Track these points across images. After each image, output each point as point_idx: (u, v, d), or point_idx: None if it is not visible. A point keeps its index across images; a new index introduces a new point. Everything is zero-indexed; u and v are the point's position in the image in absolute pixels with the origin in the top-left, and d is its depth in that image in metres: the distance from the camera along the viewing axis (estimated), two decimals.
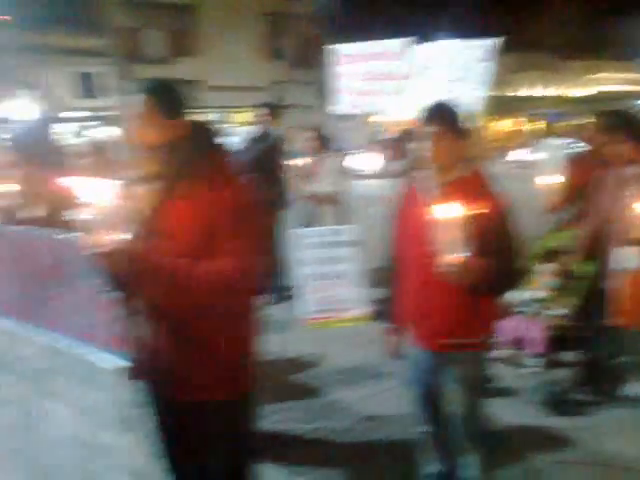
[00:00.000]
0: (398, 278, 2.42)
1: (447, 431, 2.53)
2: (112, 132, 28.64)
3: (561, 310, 3.58)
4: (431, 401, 2.46)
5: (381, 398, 3.77)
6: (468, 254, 1.91)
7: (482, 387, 2.35)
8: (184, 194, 1.72)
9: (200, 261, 1.65)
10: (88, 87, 29.12)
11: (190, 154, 1.76)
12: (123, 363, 1.63)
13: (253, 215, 1.77)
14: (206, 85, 29.66)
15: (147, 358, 1.76)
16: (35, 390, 2.04)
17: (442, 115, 2.19)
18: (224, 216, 1.68)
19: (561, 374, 3.60)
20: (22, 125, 2.05)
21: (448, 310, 2.18)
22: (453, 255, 1.90)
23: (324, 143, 5.04)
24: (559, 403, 3.46)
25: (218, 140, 1.89)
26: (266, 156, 5.14)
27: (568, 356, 3.65)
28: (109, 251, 1.52)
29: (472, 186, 2.12)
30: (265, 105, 5.65)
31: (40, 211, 2.24)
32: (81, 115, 26.70)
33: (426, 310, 2.23)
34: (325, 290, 4.99)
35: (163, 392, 1.74)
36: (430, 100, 3.76)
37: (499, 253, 2.03)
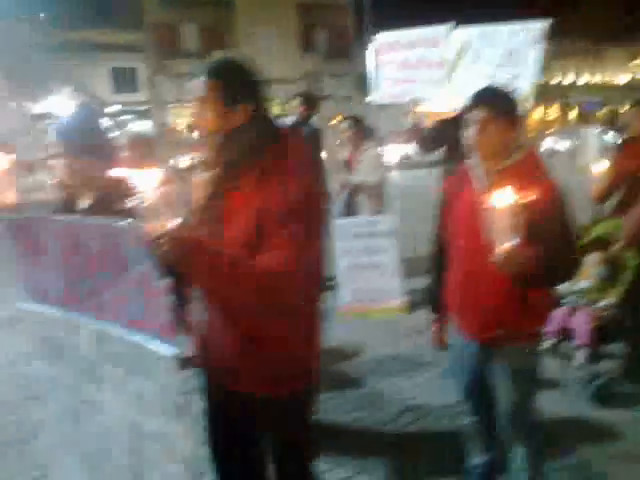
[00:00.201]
0: (445, 267, 2.38)
1: (493, 422, 2.50)
2: (147, 126, 29.21)
3: (607, 301, 3.50)
4: (477, 392, 2.41)
5: (422, 389, 3.75)
6: (520, 243, 1.86)
7: (534, 380, 2.29)
8: (241, 184, 1.68)
9: (258, 254, 1.61)
10: (123, 82, 29.66)
11: (251, 142, 1.69)
12: (174, 351, 1.63)
13: (316, 207, 1.70)
14: None
15: (205, 347, 1.77)
16: (85, 378, 2.06)
17: (493, 100, 2.13)
18: (283, 208, 1.61)
19: (607, 366, 3.51)
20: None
21: (499, 300, 2.13)
22: (505, 244, 1.86)
23: (364, 133, 4.99)
24: (605, 396, 3.38)
25: (281, 128, 1.82)
26: None
27: (614, 348, 3.55)
28: (165, 238, 1.50)
29: (526, 172, 2.06)
30: (301, 95, 5.63)
31: (88, 201, 2.27)
32: (116, 109, 27.21)
33: (475, 300, 2.18)
34: (363, 280, 4.97)
35: (222, 382, 1.75)
36: (476, 87, 3.71)
37: (554, 242, 1.97)
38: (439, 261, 2.44)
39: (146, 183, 1.59)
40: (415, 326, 4.80)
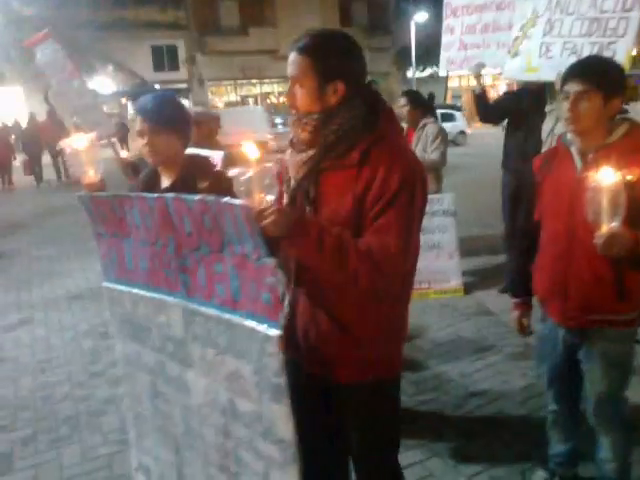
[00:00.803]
0: (533, 251, 2.28)
1: (576, 411, 2.42)
2: (186, 104, 29.38)
3: None
4: (562, 380, 2.34)
5: (486, 373, 3.67)
6: (623, 224, 1.76)
7: (627, 368, 2.20)
8: (340, 165, 1.61)
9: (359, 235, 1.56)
10: (163, 60, 29.82)
11: (350, 123, 1.61)
12: (273, 330, 1.59)
13: (418, 191, 1.60)
14: (279, 55, 29.67)
15: (295, 332, 1.74)
16: (170, 357, 2.06)
17: (594, 72, 2.00)
18: (389, 190, 1.54)
19: None
20: (152, 95, 2.05)
21: (594, 284, 2.03)
22: (608, 225, 1.76)
23: (423, 108, 4.84)
24: None
25: (384, 106, 1.70)
26: None
27: None
28: (272, 211, 1.46)
29: (630, 150, 1.94)
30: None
31: (170, 180, 2.25)
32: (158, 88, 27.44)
33: (569, 284, 2.08)
34: (422, 261, 4.86)
35: (310, 370, 1.72)
36: (552, 57, 3.51)
37: None
38: (527, 244, 2.34)
39: (247, 158, 1.54)
40: (473, 308, 4.73)
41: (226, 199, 1.62)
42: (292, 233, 1.47)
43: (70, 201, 2.91)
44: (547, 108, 4.23)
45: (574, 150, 2.10)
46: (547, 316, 2.27)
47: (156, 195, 1.89)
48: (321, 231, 1.50)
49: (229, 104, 31.12)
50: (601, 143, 2.03)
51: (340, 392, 1.76)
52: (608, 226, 1.75)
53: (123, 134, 19.10)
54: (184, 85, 29.92)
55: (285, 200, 1.70)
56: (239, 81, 31.78)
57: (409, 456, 2.84)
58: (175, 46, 29.69)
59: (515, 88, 4.51)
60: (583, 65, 2.06)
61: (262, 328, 1.64)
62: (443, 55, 4.77)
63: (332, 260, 1.51)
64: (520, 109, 4.52)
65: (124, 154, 4.98)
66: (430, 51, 22.16)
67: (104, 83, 25.60)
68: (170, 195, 1.83)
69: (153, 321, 2.14)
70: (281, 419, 1.67)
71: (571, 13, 3.43)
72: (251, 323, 1.68)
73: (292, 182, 1.69)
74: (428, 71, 30.74)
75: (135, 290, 2.18)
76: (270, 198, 1.54)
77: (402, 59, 32.12)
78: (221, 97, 32.57)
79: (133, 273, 2.16)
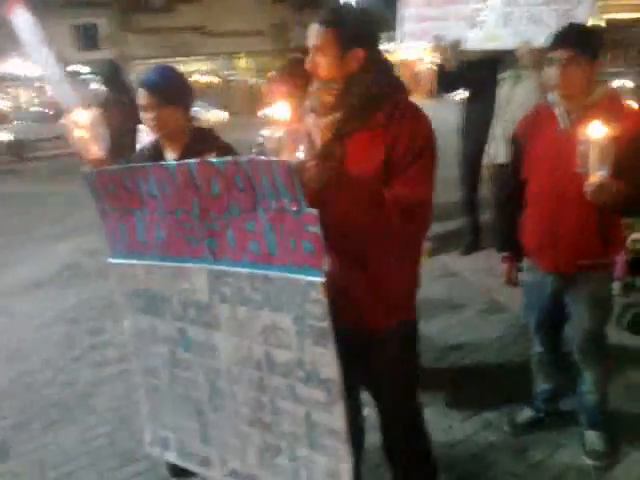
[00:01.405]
0: (518, 208, 2.47)
1: (559, 352, 2.66)
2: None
3: (638, 234, 3.67)
4: (548, 324, 2.56)
5: (461, 328, 3.90)
6: (609, 174, 1.94)
7: (609, 307, 2.44)
8: (366, 126, 1.71)
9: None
10: (85, 39, 28.50)
11: (373, 86, 1.72)
12: (315, 278, 1.68)
13: (435, 146, 1.75)
14: (206, 31, 29.02)
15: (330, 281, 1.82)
16: (198, 323, 2.11)
17: (577, 39, 2.17)
18: (415, 146, 1.67)
19: (637, 297, 3.71)
20: (154, 68, 2.03)
21: (582, 232, 2.24)
22: (595, 175, 1.94)
23: None
24: (636, 323, 3.58)
25: (395, 75, 1.83)
26: None
27: None
28: (308, 166, 1.55)
29: (610, 109, 2.13)
30: None
31: (175, 152, 2.29)
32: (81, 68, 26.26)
33: (559, 234, 2.28)
34: None
35: (341, 317, 1.81)
36: (516, 27, 3.68)
37: (634, 173, 2.06)
38: (512, 202, 2.53)
39: (281, 117, 1.62)
40: (440, 270, 4.96)
41: (262, 157, 1.70)
42: (332, 184, 1.58)
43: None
44: (500, 76, 4.44)
45: (559, 111, 2.28)
46: (535, 267, 2.47)
47: (177, 162, 1.92)
48: (358, 181, 1.62)
49: None
50: (584, 103, 2.21)
51: (368, 337, 1.88)
52: (597, 176, 1.94)
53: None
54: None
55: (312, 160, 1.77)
56: (166, 59, 30.85)
57: None
58: (97, 25, 28.43)
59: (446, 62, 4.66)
60: (569, 33, 2.23)
61: (303, 277, 1.72)
62: (400, 27, 4.88)
63: (369, 209, 1.64)
64: (477, 78, 4.73)
65: None
66: None
67: (18, 65, 24.28)
68: (194, 160, 1.87)
69: (172, 289, 2.17)
70: (326, 360, 1.75)
71: None
72: (290, 274, 1.77)
73: (318, 144, 1.77)
74: None
75: (150, 261, 2.20)
76: (301, 156, 1.62)
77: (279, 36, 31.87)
78: None
79: (147, 245, 2.18)
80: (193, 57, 30.97)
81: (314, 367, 1.83)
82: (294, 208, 1.68)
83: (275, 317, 1.88)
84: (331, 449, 1.88)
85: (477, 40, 4.04)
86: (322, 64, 1.73)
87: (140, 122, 3.76)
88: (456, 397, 3.09)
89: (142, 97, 2.20)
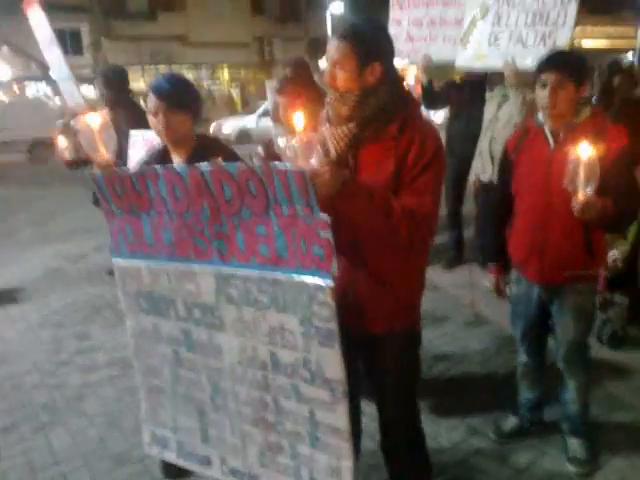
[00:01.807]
0: (505, 221, 2.59)
1: (543, 362, 2.78)
2: (92, 91, 28.05)
3: (616, 251, 3.82)
4: (534, 333, 2.68)
5: (445, 340, 4.00)
6: (595, 192, 2.06)
7: (592, 317, 2.57)
8: (378, 137, 1.80)
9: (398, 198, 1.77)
10: (66, 44, 28.21)
11: (386, 100, 1.82)
12: (323, 282, 1.75)
13: (443, 160, 1.85)
14: (188, 41, 29.00)
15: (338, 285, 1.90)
16: (202, 324, 2.17)
17: (566, 63, 2.31)
18: (423, 159, 1.77)
19: (615, 312, 3.86)
20: (165, 75, 2.10)
21: (567, 245, 2.36)
22: (583, 192, 2.06)
23: None
24: (614, 338, 3.73)
25: (405, 89, 1.94)
26: None
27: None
28: (322, 173, 1.63)
29: (595, 128, 2.27)
30: None
31: (182, 158, 2.36)
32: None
33: (545, 246, 2.40)
34: None
35: (347, 320, 1.89)
36: (501, 48, 3.84)
37: (622, 191, 2.19)
38: (499, 214, 2.65)
39: (297, 126, 1.70)
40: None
41: (276, 164, 1.78)
42: (345, 191, 1.67)
43: None
44: (487, 95, 4.61)
45: (547, 130, 2.41)
46: (522, 278, 2.59)
47: (189, 166, 1.98)
48: (369, 189, 1.72)
49: (138, 92, 30.04)
50: (570, 123, 2.35)
51: (372, 340, 1.96)
52: (584, 193, 2.07)
53: None
54: (88, 71, 28.50)
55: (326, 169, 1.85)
56: (147, 67, 30.74)
57: None
58: (78, 30, 28.20)
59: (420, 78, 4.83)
60: (559, 58, 2.37)
61: (312, 280, 1.79)
62: None
63: (377, 216, 1.73)
64: (462, 97, 4.90)
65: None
66: None
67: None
68: (206, 164, 1.93)
69: (177, 291, 2.23)
70: (331, 361, 1.83)
71: (517, 5, 3.80)
72: (299, 277, 1.84)
73: (332, 153, 1.86)
74: None
75: (156, 263, 2.26)
76: (315, 164, 1.70)
77: (313, 49, 32.38)
78: (130, 83, 31.33)
79: (153, 247, 2.24)
80: (174, 66, 30.93)
81: (319, 367, 1.90)
82: (306, 214, 1.77)
83: (282, 318, 1.96)
84: (333, 447, 1.95)
85: (467, 59, 4.19)
86: (341, 78, 1.80)
87: (137, 127, 3.84)
88: (443, 406, 3.18)
89: (152, 102, 2.26)
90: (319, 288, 1.80)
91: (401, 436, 2.12)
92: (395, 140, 1.79)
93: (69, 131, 4.77)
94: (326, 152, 1.85)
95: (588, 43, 28.09)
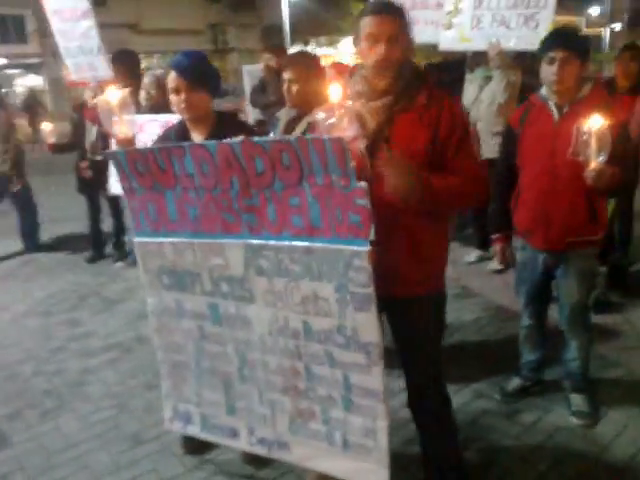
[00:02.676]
0: (510, 191, 2.71)
1: (544, 324, 2.92)
2: (38, 80, 26.99)
3: None
4: (538, 297, 2.81)
5: None
6: (604, 161, 2.20)
7: (594, 280, 2.72)
8: (412, 108, 1.88)
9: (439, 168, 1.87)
10: (8, 32, 27.09)
11: (415, 72, 1.93)
12: (359, 248, 1.80)
13: (468, 126, 1.99)
14: (140, 29, 28.29)
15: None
16: (230, 297, 2.20)
17: (572, 41, 2.43)
18: (459, 127, 1.88)
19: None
20: (185, 53, 2.08)
21: (576, 211, 2.49)
22: (595, 162, 2.19)
23: None
24: (598, 303, 3.89)
25: None
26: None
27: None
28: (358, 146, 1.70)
29: (598, 102, 2.40)
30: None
31: (202, 135, 2.36)
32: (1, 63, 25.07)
33: (551, 214, 2.52)
34: None
35: (381, 287, 1.95)
36: (485, 29, 3.95)
37: (624, 159, 2.34)
38: (505, 186, 2.76)
39: (333, 100, 1.75)
40: None
41: (313, 135, 1.83)
42: (382, 162, 1.79)
43: None
44: (467, 77, 4.73)
45: (551, 104, 2.53)
46: (527, 246, 2.71)
47: (218, 142, 2.00)
48: (406, 160, 1.83)
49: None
50: (574, 98, 2.48)
51: (406, 304, 2.04)
52: (596, 162, 2.19)
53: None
54: (36, 59, 27.44)
55: (364, 141, 1.91)
56: None
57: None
58: (22, 16, 27.06)
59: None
60: (565, 36, 2.49)
61: (348, 247, 1.85)
62: None
63: (415, 185, 1.81)
64: (442, 79, 5.01)
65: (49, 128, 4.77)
66: (300, 29, 22.44)
67: None
68: (237, 139, 1.96)
69: (203, 266, 2.25)
70: (367, 325, 1.89)
71: None
72: (334, 245, 1.89)
73: (369, 127, 1.91)
74: (297, 48, 31.12)
75: (180, 239, 2.27)
76: (352, 135, 1.76)
77: (268, 36, 32.07)
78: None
79: (178, 223, 2.25)
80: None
81: (354, 332, 1.96)
82: (343, 183, 1.82)
83: (315, 287, 2.01)
84: (367, 409, 2.02)
85: (450, 41, 4.30)
86: (387, 50, 1.86)
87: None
88: (446, 372, 3.27)
89: (173, 79, 2.26)
90: (356, 254, 1.85)
91: (429, 387, 2.22)
92: (426, 109, 1.89)
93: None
94: (363, 126, 1.91)
95: None
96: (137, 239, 2.39)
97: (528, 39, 3.98)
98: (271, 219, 2.03)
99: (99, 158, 5.30)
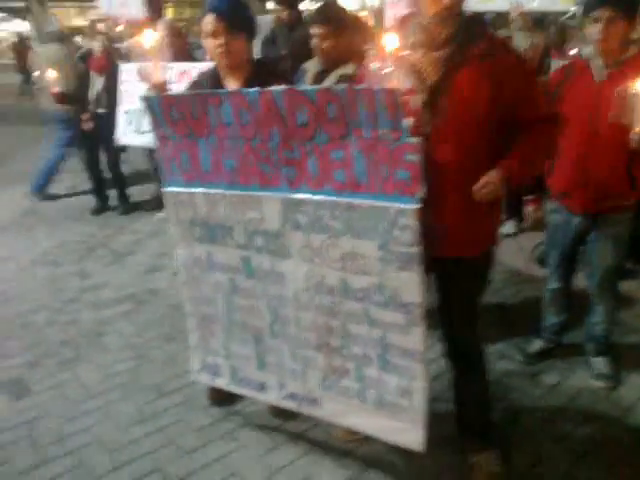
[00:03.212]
0: None
1: (570, 287, 2.91)
2: (24, 26, 26.10)
3: None
4: (569, 261, 2.79)
5: None
6: None
7: (626, 244, 2.69)
8: (469, 60, 1.79)
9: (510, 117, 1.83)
10: None
11: (476, 20, 1.85)
12: (406, 205, 1.74)
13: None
14: None
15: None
16: (264, 251, 2.16)
17: (621, 0, 2.33)
18: (519, 80, 1.81)
19: None
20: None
21: (614, 175, 2.45)
22: (639, 126, 2.14)
23: None
24: None
25: None
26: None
27: None
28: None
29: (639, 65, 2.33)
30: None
31: (237, 82, 2.27)
32: None
33: (593, 176, 2.47)
34: None
35: (429, 246, 1.90)
36: None
37: None
38: None
39: (389, 48, 1.67)
40: None
41: (362, 86, 1.74)
42: (440, 116, 1.78)
43: None
44: None
45: (594, 65, 2.45)
46: (562, 208, 2.67)
47: (259, 90, 1.91)
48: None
49: (75, 29, 28.34)
50: (619, 59, 2.40)
51: (453, 265, 2.00)
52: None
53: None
54: (22, 4, 26.42)
55: (422, 95, 1.83)
56: (86, 4, 28.69)
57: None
58: None
59: None
60: None
61: (393, 204, 1.79)
62: (389, 12, 4.77)
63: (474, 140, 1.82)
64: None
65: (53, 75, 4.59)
66: None
67: None
68: (280, 88, 1.87)
69: (237, 218, 2.19)
70: (410, 285, 1.86)
71: None
72: (380, 202, 1.83)
73: (428, 79, 1.83)
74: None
75: (214, 190, 2.20)
76: (406, 86, 1.68)
77: None
78: (65, 21, 29.34)
79: (212, 173, 2.17)
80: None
81: (395, 292, 1.93)
82: (393, 136, 1.74)
83: (356, 244, 1.96)
84: (404, 369, 2.00)
85: (473, 3, 4.13)
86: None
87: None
88: None
89: (210, 22, 2.15)
90: (402, 212, 1.80)
91: (472, 345, 2.22)
92: (487, 59, 1.80)
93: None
94: (422, 78, 1.83)
95: None
96: (168, 189, 2.32)
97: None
98: (312, 173, 1.97)
99: (102, 111, 5.17)
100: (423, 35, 1.84)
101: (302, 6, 5.40)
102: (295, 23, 5.13)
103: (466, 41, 1.81)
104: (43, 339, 3.37)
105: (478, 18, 1.90)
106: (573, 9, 4.39)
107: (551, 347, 3.01)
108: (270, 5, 14.30)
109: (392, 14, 4.44)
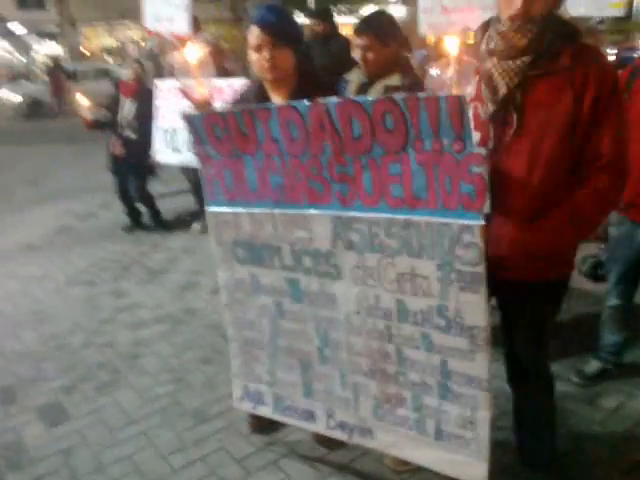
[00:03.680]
0: None
1: (631, 306, 2.75)
2: (57, 48, 26.64)
3: None
4: (631, 275, 2.63)
5: None
6: None
7: None
8: (550, 71, 1.64)
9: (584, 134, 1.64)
10: None
11: (564, 27, 1.66)
12: (470, 222, 1.64)
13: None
14: None
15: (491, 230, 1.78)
16: (313, 273, 2.06)
17: None
18: (601, 99, 1.61)
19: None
20: (268, 7, 1.91)
21: None
22: None
23: None
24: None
25: None
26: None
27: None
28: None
29: None
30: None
31: (281, 96, 2.18)
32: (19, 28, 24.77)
33: None
34: None
35: (499, 266, 1.77)
36: None
37: None
38: None
39: (452, 53, 1.57)
40: None
41: (424, 93, 1.63)
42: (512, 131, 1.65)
43: None
44: None
45: None
46: (626, 220, 2.52)
47: (310, 102, 1.81)
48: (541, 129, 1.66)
49: (105, 49, 28.94)
50: None
51: (519, 289, 1.86)
52: None
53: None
54: (54, 27, 27.05)
55: (491, 106, 1.71)
56: (114, 23, 29.24)
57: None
58: None
59: None
60: None
61: (456, 220, 1.67)
62: (422, 18, 4.68)
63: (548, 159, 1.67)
64: None
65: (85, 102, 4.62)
66: None
67: None
68: (333, 99, 1.77)
69: (283, 238, 2.09)
70: (474, 307, 1.72)
71: None
72: (439, 218, 1.71)
73: (501, 90, 1.69)
74: None
75: (259, 209, 2.10)
76: (469, 92, 1.57)
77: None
78: (95, 41, 29.95)
79: (257, 192, 2.08)
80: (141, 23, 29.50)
81: (458, 314, 1.79)
82: (457, 148, 1.62)
83: (414, 263, 1.83)
84: (467, 398, 1.87)
85: None
86: (535, 4, 1.60)
87: None
88: None
89: (256, 36, 2.07)
90: (466, 229, 1.68)
91: (534, 354, 2.09)
92: (569, 72, 1.62)
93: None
94: (494, 89, 1.70)
95: None
96: (211, 209, 2.24)
97: (596, 4, 3.68)
98: (366, 189, 1.85)
99: (133, 136, 5.16)
100: (499, 41, 1.70)
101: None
102: (330, 36, 5.08)
103: (547, 51, 1.64)
104: (79, 361, 3.30)
105: (569, 24, 1.71)
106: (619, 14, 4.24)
107: (609, 367, 2.84)
108: (300, 19, 14.35)
109: (425, 19, 4.35)
